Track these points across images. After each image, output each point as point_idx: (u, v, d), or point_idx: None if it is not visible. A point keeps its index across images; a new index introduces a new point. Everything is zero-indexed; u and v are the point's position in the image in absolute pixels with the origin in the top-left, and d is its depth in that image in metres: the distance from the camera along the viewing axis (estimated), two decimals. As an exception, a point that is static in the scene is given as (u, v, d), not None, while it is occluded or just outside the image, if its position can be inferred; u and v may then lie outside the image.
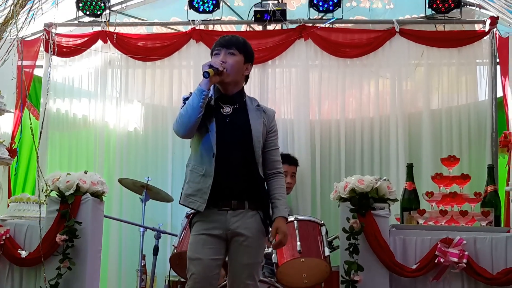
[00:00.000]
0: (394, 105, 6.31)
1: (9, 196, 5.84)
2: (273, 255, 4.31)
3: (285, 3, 6.49)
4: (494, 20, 6.20)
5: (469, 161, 6.07)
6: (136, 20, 6.94)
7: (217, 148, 3.40)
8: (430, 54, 6.37)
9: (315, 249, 4.33)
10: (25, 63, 6.09)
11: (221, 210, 3.42)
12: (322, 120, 6.38)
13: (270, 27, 6.62)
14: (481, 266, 4.41)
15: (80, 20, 6.68)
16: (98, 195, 4.80)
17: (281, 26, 6.58)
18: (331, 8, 6.31)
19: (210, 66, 3.39)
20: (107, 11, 6.57)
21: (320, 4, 6.30)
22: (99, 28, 6.59)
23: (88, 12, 6.51)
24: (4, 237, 4.76)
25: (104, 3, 6.47)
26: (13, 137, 6.20)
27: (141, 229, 5.22)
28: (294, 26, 6.46)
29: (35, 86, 6.64)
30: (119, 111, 6.55)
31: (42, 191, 4.75)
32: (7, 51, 5.53)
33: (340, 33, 6.52)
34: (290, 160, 5.88)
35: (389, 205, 4.61)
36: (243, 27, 6.90)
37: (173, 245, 4.75)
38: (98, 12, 6.50)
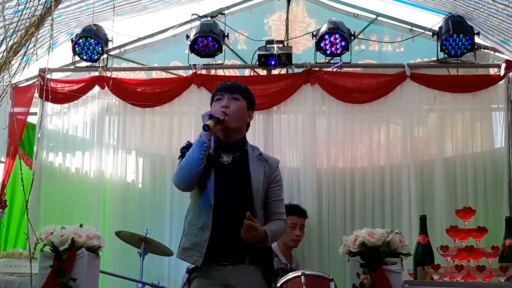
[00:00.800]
0: (405, 153, 6.35)
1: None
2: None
3: (291, 47, 6.61)
4: (510, 64, 6.29)
5: (485, 212, 6.08)
6: (135, 65, 7.05)
7: (215, 199, 3.43)
8: (443, 99, 6.43)
9: (324, 307, 4.30)
10: (18, 110, 6.19)
11: (220, 265, 3.43)
12: (329, 169, 6.41)
13: (275, 71, 6.71)
14: (499, 325, 4.38)
15: (77, 65, 6.79)
16: (94, 250, 4.77)
17: (287, 71, 6.68)
18: (338, 51, 6.42)
19: (210, 116, 3.41)
20: (105, 56, 6.68)
21: (327, 48, 6.39)
22: (96, 73, 6.70)
23: (85, 57, 6.62)
24: (-6, 295, 4.77)
25: (101, 47, 6.58)
26: (3, 188, 6.24)
27: (140, 285, 5.22)
28: (300, 70, 6.56)
29: (28, 134, 6.73)
30: (116, 160, 6.61)
31: (35, 246, 4.74)
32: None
33: (349, 78, 6.60)
34: (299, 212, 5.90)
35: (402, 260, 4.59)
36: (247, 72, 6.99)
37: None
38: (96, 57, 6.61)
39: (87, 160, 6.64)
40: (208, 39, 6.46)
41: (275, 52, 6.42)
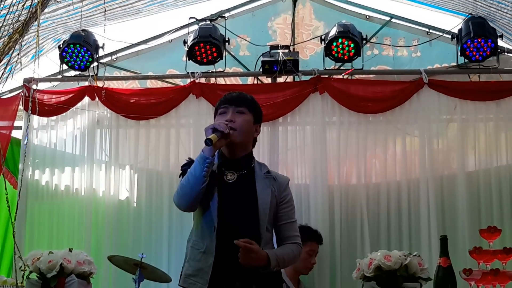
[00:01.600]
0: (423, 167, 6.32)
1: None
2: None
3: (297, 52, 6.61)
4: (536, 69, 6.29)
5: (511, 232, 6.04)
6: (128, 73, 7.06)
7: (219, 221, 3.43)
8: (464, 108, 6.41)
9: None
10: (1, 124, 6.20)
11: (225, 293, 3.42)
12: (341, 185, 6.39)
13: (281, 79, 6.69)
14: None
15: (65, 74, 6.80)
16: (85, 276, 4.77)
17: (293, 78, 6.65)
18: (349, 57, 6.41)
19: (214, 130, 3.41)
20: (95, 64, 6.69)
21: (337, 53, 6.38)
22: (86, 83, 6.70)
23: (73, 65, 6.60)
24: (-24, 328, 4.75)
25: (91, 55, 6.56)
26: (-16, 208, 6.23)
27: (134, 315, 5.19)
28: (307, 78, 6.53)
29: (12, 150, 6.70)
30: (108, 178, 6.58)
31: (21, 271, 4.73)
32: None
33: (361, 85, 6.58)
34: (318, 238, 5.90)
35: (421, 285, 4.59)
36: (250, 80, 6.99)
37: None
38: (85, 65, 6.59)
39: (77, 177, 6.61)
40: (207, 44, 6.44)
41: (280, 58, 6.40)
